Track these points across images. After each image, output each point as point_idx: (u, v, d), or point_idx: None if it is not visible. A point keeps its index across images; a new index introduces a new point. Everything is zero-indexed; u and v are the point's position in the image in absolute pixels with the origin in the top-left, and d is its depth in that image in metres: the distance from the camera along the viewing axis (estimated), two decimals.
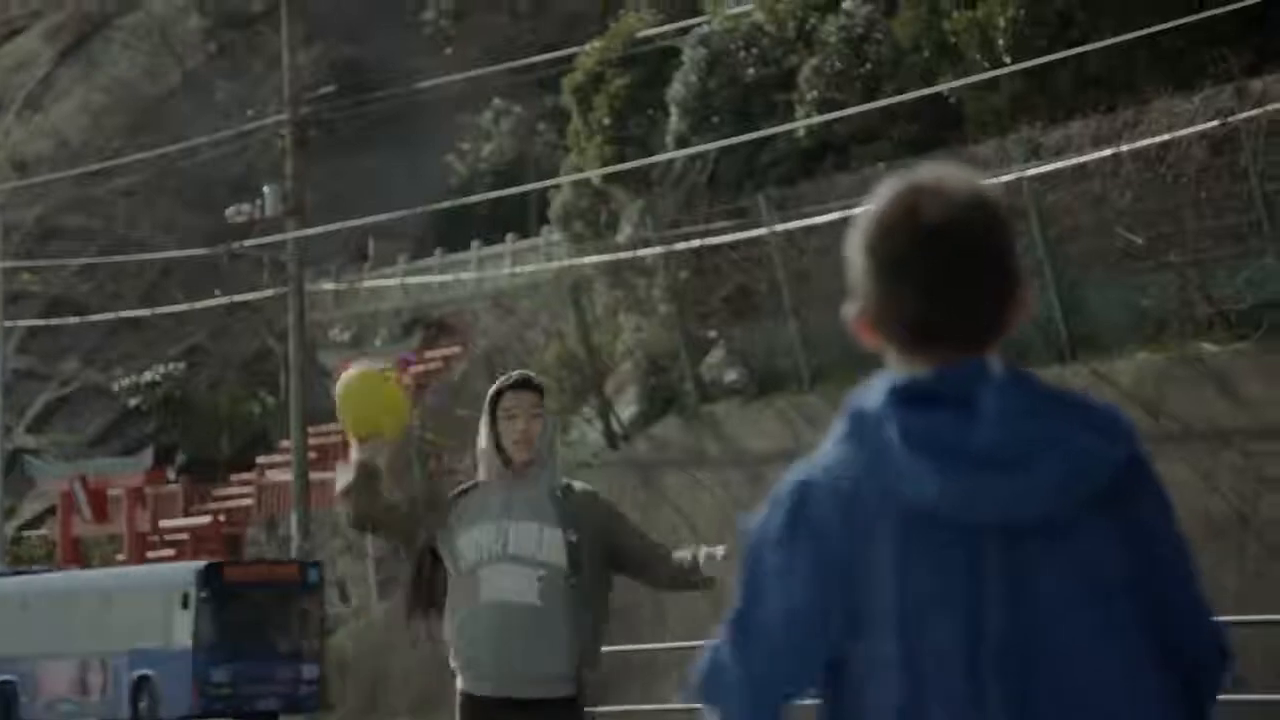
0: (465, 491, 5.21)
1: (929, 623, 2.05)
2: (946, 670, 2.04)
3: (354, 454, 5.11)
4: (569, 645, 5.08)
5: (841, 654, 2.09)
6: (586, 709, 5.13)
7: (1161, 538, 2.14)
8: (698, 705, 2.14)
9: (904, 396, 2.09)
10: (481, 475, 5.20)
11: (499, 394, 5.16)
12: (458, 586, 5.09)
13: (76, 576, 29.52)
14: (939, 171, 2.14)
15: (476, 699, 5.09)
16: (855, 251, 2.14)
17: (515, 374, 5.31)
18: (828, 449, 2.11)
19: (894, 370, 2.13)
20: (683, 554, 5.22)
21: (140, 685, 24.96)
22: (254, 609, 24.25)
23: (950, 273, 2.08)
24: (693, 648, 13.78)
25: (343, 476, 5.14)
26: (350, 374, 5.20)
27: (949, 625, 2.04)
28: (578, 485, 5.30)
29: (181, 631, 24.45)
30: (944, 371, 2.09)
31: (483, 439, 5.16)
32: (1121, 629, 2.07)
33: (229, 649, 24.17)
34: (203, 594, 24.37)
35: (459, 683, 5.15)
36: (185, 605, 24.47)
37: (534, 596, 5.06)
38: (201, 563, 25.51)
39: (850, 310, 2.16)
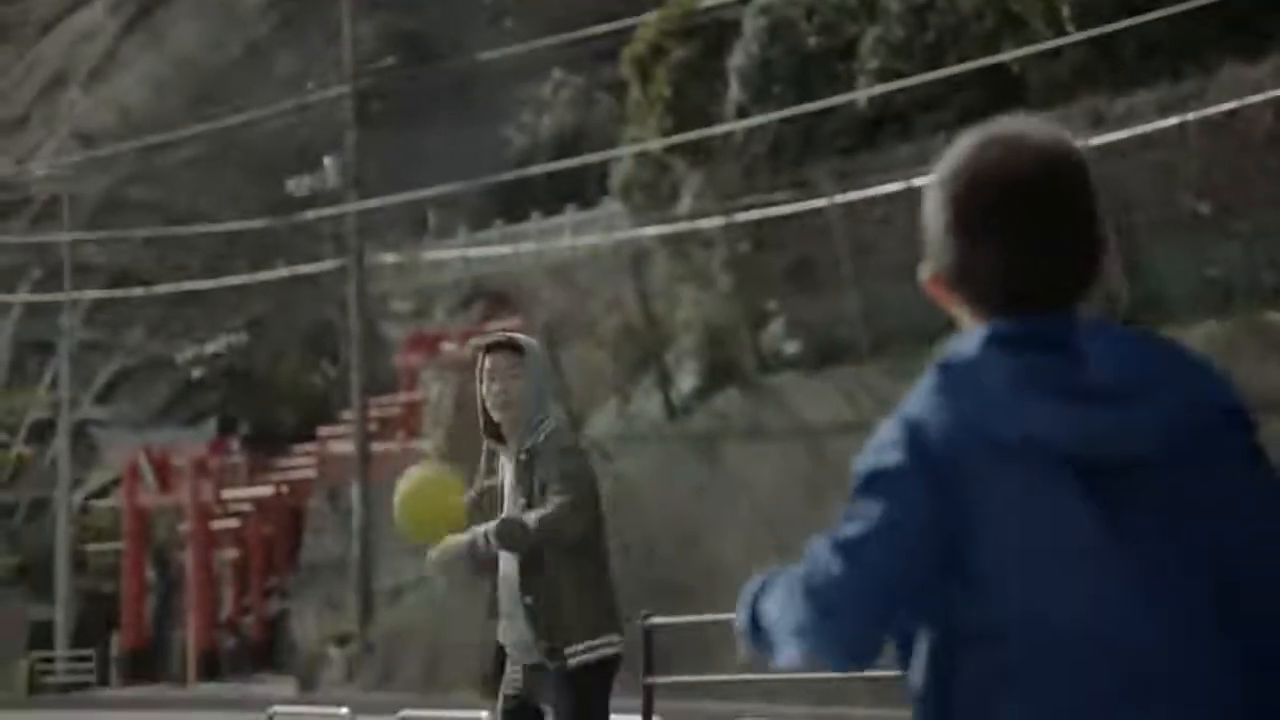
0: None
1: (1050, 568, 1.91)
2: (1069, 628, 1.90)
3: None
4: (541, 612, 4.99)
5: (945, 622, 1.94)
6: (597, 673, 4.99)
7: (1258, 494, 2.01)
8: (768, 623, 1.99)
9: (1001, 343, 1.98)
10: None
11: (478, 357, 5.04)
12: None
13: None
14: (1020, 124, 2.04)
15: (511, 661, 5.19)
16: (933, 207, 2.04)
17: (495, 333, 5.17)
18: (921, 401, 1.99)
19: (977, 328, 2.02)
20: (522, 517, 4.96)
21: None
22: None
23: (1039, 229, 1.99)
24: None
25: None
26: (412, 480, 5.07)
27: (1075, 567, 1.91)
28: (549, 442, 5.01)
29: None
30: (1038, 320, 1.99)
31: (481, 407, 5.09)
32: (1200, 579, 1.94)
33: None
34: None
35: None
36: None
37: (510, 566, 5.02)
38: None
39: (925, 269, 2.06)
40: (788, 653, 2.00)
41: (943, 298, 2.05)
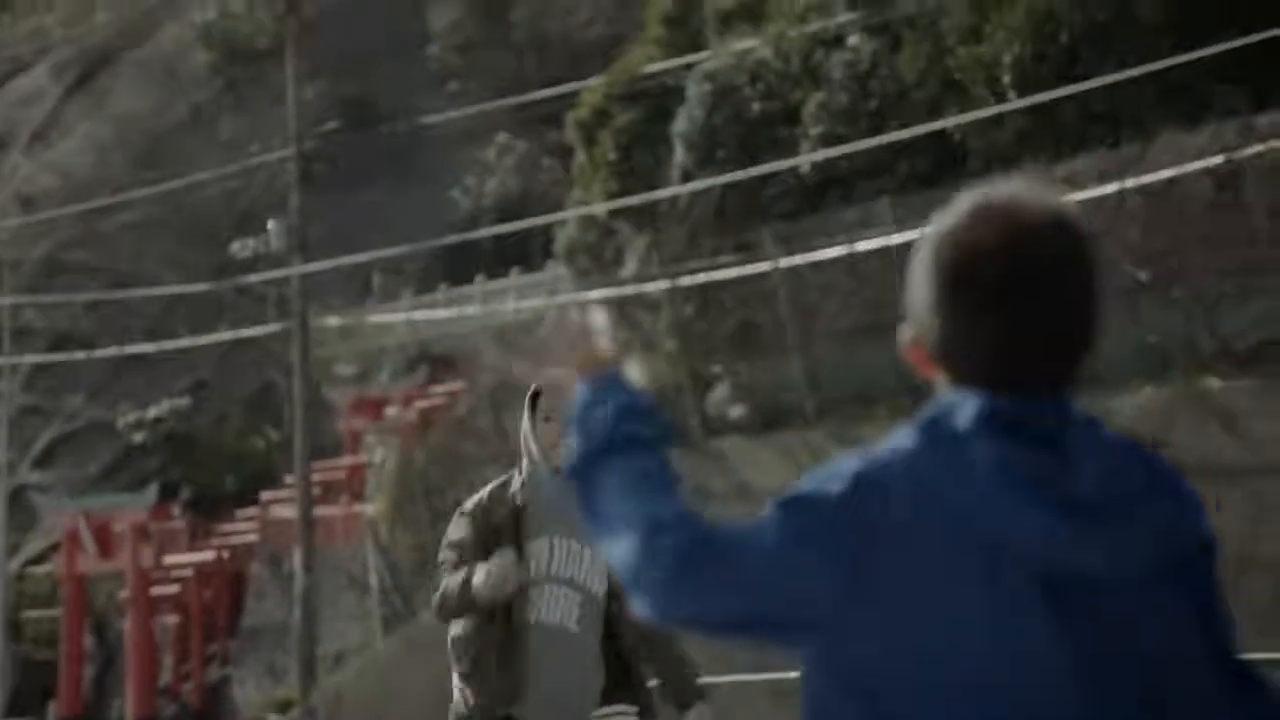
0: (498, 500, 4.69)
1: (971, 662, 1.81)
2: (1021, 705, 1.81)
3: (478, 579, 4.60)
4: (597, 678, 4.71)
5: (825, 670, 1.85)
6: None
7: (1223, 619, 1.98)
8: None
9: (993, 422, 1.85)
10: (519, 479, 4.71)
11: (536, 395, 4.67)
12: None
13: None
14: (1019, 192, 1.90)
15: (491, 715, 4.66)
16: (922, 275, 1.91)
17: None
18: (898, 455, 1.86)
19: (971, 395, 1.88)
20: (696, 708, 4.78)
21: None
22: None
23: (1035, 309, 1.85)
24: (716, 684, 13.72)
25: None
26: None
27: (1032, 672, 1.81)
28: None
29: None
30: (1033, 405, 1.86)
31: (525, 442, 4.71)
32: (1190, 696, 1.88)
33: None
34: None
35: (467, 696, 4.70)
36: None
37: (572, 623, 4.66)
38: None
39: (905, 335, 1.94)
40: (611, 554, 1.94)
41: (923, 365, 1.93)
